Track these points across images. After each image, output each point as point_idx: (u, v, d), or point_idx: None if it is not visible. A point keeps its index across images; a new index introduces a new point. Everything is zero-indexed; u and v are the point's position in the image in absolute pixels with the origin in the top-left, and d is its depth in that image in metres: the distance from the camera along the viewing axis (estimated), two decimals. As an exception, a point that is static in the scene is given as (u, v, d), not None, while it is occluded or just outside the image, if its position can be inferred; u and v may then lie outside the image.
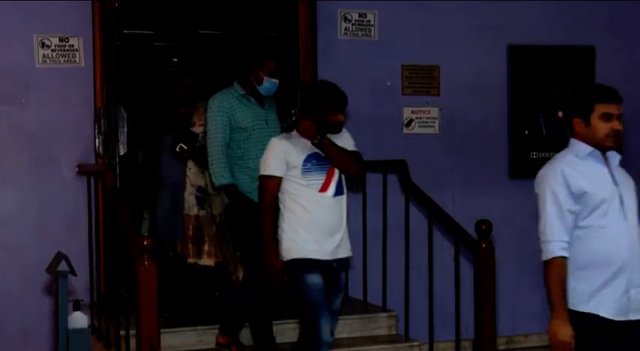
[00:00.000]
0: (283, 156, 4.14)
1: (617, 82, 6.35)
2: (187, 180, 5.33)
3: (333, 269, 4.20)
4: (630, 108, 5.63)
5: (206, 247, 5.28)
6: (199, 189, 5.27)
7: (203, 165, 5.03)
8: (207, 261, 5.30)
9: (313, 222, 4.12)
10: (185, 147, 5.29)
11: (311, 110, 4.19)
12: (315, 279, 4.08)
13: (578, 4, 6.47)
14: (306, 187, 4.13)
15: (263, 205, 4.19)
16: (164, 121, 5.86)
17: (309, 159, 4.15)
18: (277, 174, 4.15)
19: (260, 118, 4.78)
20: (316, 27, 5.83)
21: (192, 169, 5.32)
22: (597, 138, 3.38)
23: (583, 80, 6.44)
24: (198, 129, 5.27)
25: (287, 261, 4.14)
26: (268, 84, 4.77)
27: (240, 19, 5.89)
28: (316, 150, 4.18)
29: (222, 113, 4.67)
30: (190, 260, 5.33)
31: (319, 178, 4.16)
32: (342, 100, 4.22)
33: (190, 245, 5.31)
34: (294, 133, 4.28)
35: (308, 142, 4.19)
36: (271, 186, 4.17)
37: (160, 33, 5.93)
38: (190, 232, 5.33)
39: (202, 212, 5.29)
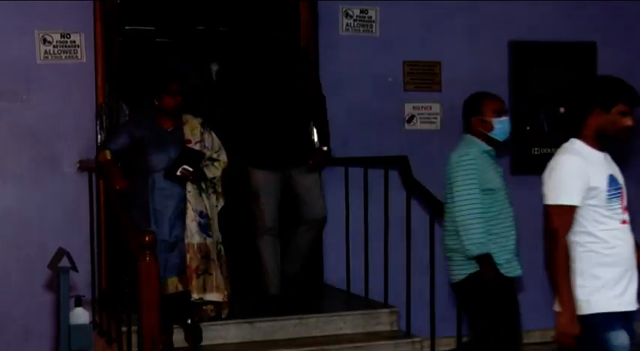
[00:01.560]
0: (585, 177, 3.29)
1: (623, 77, 6.41)
2: (189, 205, 4.64)
3: (631, 320, 3.43)
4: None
5: (213, 281, 4.65)
6: (201, 214, 4.68)
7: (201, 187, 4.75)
8: (214, 296, 4.67)
9: (619, 263, 3.34)
10: (190, 169, 4.62)
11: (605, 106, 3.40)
12: (622, 338, 3.31)
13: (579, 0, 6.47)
14: (609, 218, 3.34)
15: (558, 246, 3.28)
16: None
17: (612, 181, 3.37)
18: (577, 203, 3.29)
19: (501, 175, 4.25)
20: (317, 23, 5.83)
21: (191, 192, 4.67)
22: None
23: (585, 77, 6.41)
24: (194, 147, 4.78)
25: (585, 316, 3.31)
26: (500, 124, 4.20)
27: (240, 17, 5.85)
28: (612, 167, 3.45)
29: (476, 171, 4.05)
30: (195, 296, 4.61)
31: (618, 205, 3.38)
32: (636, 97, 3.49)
33: (195, 278, 4.61)
34: (580, 143, 3.42)
35: (601, 155, 3.42)
36: (568, 219, 3.30)
37: (161, 29, 5.90)
38: (194, 264, 4.62)
39: (209, 240, 4.69)
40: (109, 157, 4.62)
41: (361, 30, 5.99)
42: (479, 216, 4.02)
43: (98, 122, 5.38)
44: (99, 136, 5.38)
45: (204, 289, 4.63)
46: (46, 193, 5.38)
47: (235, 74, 5.43)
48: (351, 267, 5.69)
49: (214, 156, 4.80)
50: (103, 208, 5.21)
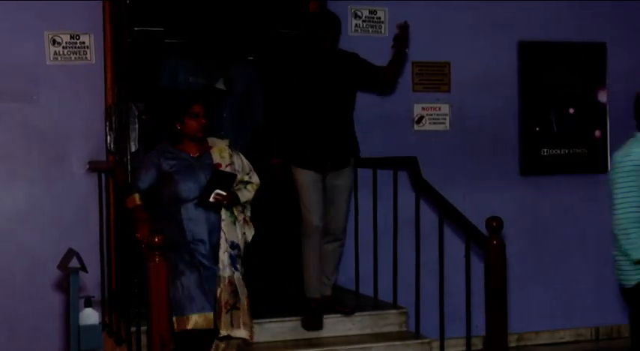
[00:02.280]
0: None
1: (629, 78, 6.43)
2: (222, 235, 4.34)
3: None
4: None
5: (241, 316, 4.37)
6: (232, 245, 4.39)
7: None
8: (241, 333, 4.38)
9: None
10: (224, 193, 4.31)
11: None
12: None
13: (589, 1, 6.49)
14: None
15: None
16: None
17: None
18: None
19: None
20: None
21: (225, 221, 4.37)
22: None
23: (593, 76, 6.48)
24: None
25: None
26: None
27: (251, 16, 5.89)
28: None
29: (637, 172, 3.90)
30: (223, 332, 4.33)
31: None
32: None
33: (223, 314, 4.32)
34: None
35: None
36: None
37: (170, 30, 5.92)
38: (224, 298, 4.33)
39: (237, 274, 4.41)
40: (138, 201, 4.31)
41: (370, 31, 6.03)
42: (637, 218, 3.86)
43: (107, 123, 5.40)
44: (108, 137, 5.40)
45: (231, 325, 4.34)
46: (56, 194, 5.40)
47: (279, 74, 5.32)
48: (360, 268, 5.70)
49: (246, 178, 4.53)
50: (113, 209, 5.23)
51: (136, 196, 4.34)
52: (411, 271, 5.14)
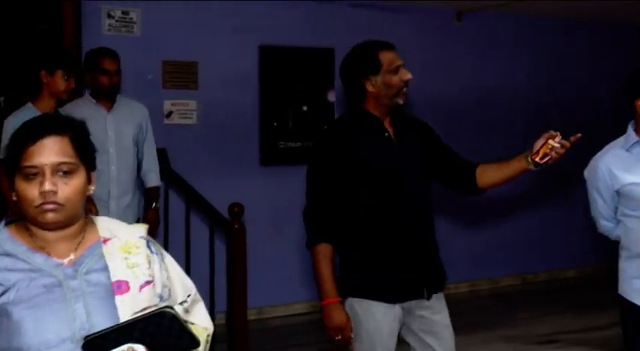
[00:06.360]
0: None
1: None
2: None
3: None
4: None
5: None
6: None
7: None
8: None
9: None
10: None
11: None
12: None
13: (322, 9, 6.90)
14: None
15: None
16: None
17: None
18: None
19: None
20: (81, 22, 5.88)
21: None
22: None
23: (324, 78, 6.99)
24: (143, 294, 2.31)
25: None
26: None
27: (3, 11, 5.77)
28: None
29: None
30: None
31: None
32: None
33: None
34: None
35: None
36: None
37: None
38: None
39: None
40: None
41: (123, 30, 6.11)
42: None
43: None
44: None
45: None
46: None
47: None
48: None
49: (182, 308, 2.17)
50: None
51: None
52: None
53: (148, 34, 6.25)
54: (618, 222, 3.43)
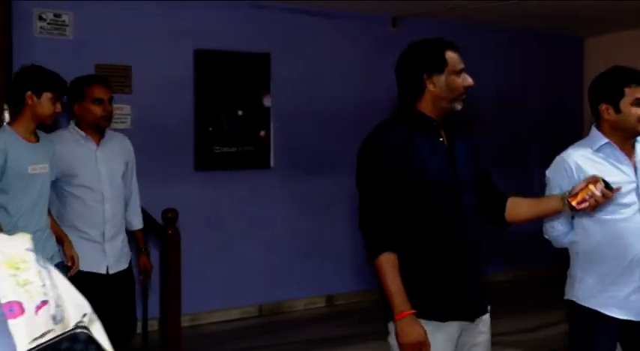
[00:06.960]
0: None
1: (292, 84, 7.12)
2: None
3: None
4: (299, 108, 6.23)
5: None
6: None
7: None
8: None
9: None
10: None
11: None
12: None
13: (258, 15, 6.94)
14: None
15: None
16: None
17: None
18: None
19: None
20: (11, 25, 5.77)
21: None
22: (629, 124, 3.22)
23: (260, 83, 7.09)
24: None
25: None
26: None
27: None
28: None
29: None
30: None
31: None
32: None
33: None
34: None
35: None
36: None
37: None
38: None
39: None
40: None
41: (55, 33, 6.05)
42: None
43: None
44: None
45: None
46: None
47: None
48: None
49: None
50: None
51: None
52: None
53: (81, 38, 6.19)
54: (572, 228, 3.35)
